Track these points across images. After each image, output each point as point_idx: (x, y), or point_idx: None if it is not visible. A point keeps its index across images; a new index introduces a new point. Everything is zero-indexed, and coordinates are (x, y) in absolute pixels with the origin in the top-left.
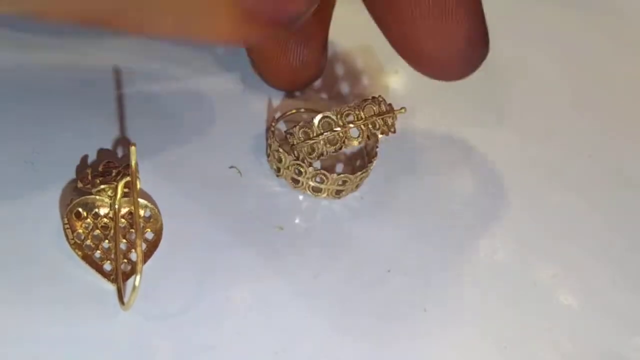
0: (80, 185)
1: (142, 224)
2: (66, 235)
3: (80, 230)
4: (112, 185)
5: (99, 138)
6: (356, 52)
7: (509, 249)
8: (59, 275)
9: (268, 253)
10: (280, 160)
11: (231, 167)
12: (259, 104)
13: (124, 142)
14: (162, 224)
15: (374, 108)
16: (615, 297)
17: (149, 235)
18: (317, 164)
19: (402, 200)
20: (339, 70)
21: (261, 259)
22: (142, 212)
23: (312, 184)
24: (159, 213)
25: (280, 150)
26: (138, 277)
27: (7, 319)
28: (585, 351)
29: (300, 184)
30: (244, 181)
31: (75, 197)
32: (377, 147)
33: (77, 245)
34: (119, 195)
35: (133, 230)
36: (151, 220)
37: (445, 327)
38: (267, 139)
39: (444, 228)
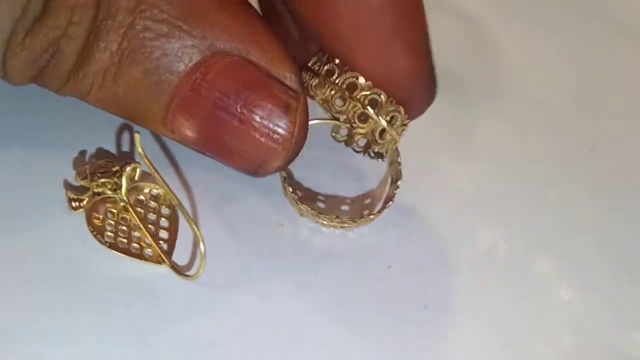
0: (78, 179)
1: (156, 204)
2: (99, 241)
3: (109, 233)
4: (112, 180)
5: (97, 137)
6: None
7: (509, 244)
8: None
9: (269, 250)
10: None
11: None
12: None
13: (122, 141)
14: (172, 198)
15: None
16: (616, 292)
17: (165, 211)
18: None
19: (402, 197)
20: None
21: (262, 255)
22: (148, 190)
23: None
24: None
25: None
26: (202, 245)
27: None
28: (586, 346)
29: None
30: (245, 178)
31: (77, 192)
32: (390, 203)
33: (112, 245)
34: (124, 186)
35: (151, 213)
36: (160, 197)
37: (446, 323)
38: None
39: (444, 224)
